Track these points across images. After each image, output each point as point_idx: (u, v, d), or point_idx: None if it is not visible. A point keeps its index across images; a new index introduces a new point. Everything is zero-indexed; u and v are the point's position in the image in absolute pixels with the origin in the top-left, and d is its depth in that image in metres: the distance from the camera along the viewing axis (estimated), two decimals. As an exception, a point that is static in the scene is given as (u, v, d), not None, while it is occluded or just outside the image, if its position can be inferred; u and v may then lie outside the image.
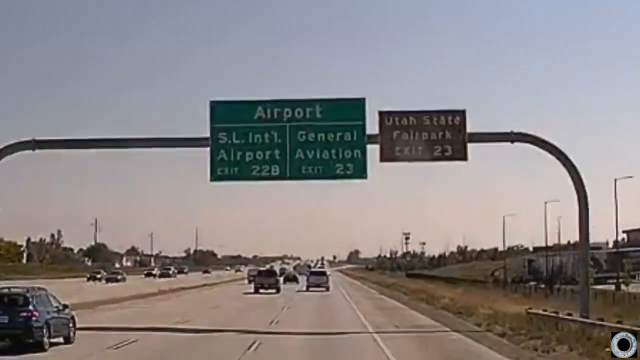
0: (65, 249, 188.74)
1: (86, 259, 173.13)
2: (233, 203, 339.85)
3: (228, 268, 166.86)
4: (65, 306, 24.65)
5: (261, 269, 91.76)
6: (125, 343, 23.92)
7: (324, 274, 75.14)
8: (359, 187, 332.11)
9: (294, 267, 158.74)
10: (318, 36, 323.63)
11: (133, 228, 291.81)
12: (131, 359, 21.72)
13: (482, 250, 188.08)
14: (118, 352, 22.32)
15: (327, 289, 66.59)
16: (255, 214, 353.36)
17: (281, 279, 72.92)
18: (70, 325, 24.30)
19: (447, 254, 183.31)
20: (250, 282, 77.77)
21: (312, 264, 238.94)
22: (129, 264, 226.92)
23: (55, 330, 23.15)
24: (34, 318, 22.16)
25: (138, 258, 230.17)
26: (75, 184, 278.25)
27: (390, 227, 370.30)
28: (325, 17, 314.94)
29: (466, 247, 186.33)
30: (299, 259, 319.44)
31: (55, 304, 24.00)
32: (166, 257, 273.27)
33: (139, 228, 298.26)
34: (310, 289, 66.65)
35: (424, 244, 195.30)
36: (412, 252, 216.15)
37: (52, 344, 22.41)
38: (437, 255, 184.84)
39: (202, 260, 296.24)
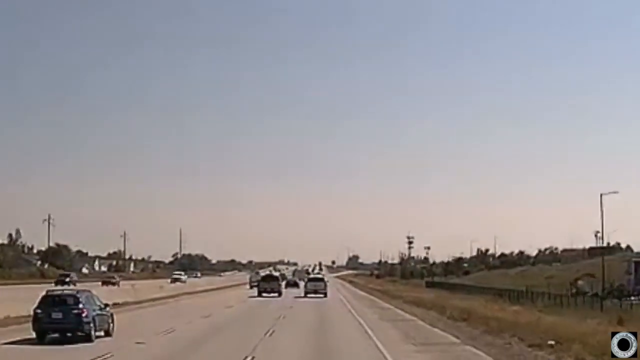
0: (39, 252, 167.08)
1: (39, 262, 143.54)
2: (227, 206, 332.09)
3: (186, 275, 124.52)
4: (106, 305, 28.89)
5: (264, 274, 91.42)
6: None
7: (321, 280, 74.37)
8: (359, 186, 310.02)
9: (293, 273, 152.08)
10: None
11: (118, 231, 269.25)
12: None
13: (503, 255, 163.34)
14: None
15: (325, 295, 66.71)
16: (250, 217, 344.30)
17: (283, 284, 78.81)
18: (110, 321, 28.49)
19: (464, 257, 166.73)
20: (252, 287, 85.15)
21: (310, 269, 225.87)
22: (104, 269, 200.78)
23: (99, 325, 27.25)
24: (83, 314, 26.14)
25: (115, 262, 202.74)
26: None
27: (391, 230, 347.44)
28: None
29: (487, 250, 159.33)
30: (295, 264, 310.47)
31: (98, 303, 28.02)
32: (151, 261, 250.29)
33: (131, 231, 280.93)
34: (309, 295, 66.29)
35: (428, 248, 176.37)
36: (415, 257, 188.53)
37: (96, 337, 26.34)
38: (443, 259, 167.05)
39: (190, 264, 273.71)
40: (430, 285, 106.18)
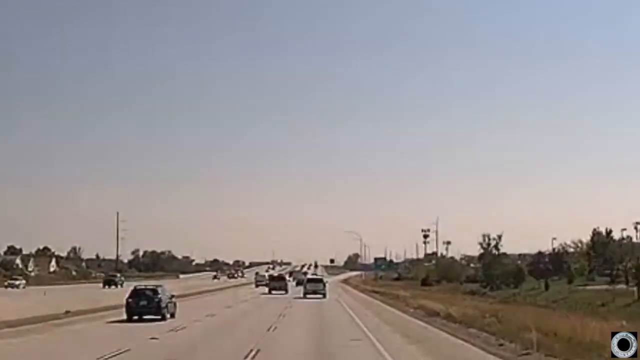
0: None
1: None
2: (212, 201, 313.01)
3: None
4: (173, 295, 38.53)
5: (273, 274, 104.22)
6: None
7: (320, 281, 75.65)
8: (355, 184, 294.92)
9: (289, 274, 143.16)
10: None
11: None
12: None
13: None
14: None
15: (324, 296, 67.55)
16: (237, 214, 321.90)
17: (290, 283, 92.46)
18: (174, 307, 37.96)
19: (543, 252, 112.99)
20: (257, 286, 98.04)
21: (305, 269, 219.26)
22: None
23: (169, 310, 36.81)
24: (161, 302, 35.72)
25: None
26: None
27: (391, 228, 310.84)
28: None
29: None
30: (288, 264, 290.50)
31: (168, 294, 37.48)
32: (103, 259, 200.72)
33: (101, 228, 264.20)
34: (308, 295, 67.19)
35: (448, 243, 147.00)
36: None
37: (167, 318, 36.31)
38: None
39: (153, 265, 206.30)
40: None
